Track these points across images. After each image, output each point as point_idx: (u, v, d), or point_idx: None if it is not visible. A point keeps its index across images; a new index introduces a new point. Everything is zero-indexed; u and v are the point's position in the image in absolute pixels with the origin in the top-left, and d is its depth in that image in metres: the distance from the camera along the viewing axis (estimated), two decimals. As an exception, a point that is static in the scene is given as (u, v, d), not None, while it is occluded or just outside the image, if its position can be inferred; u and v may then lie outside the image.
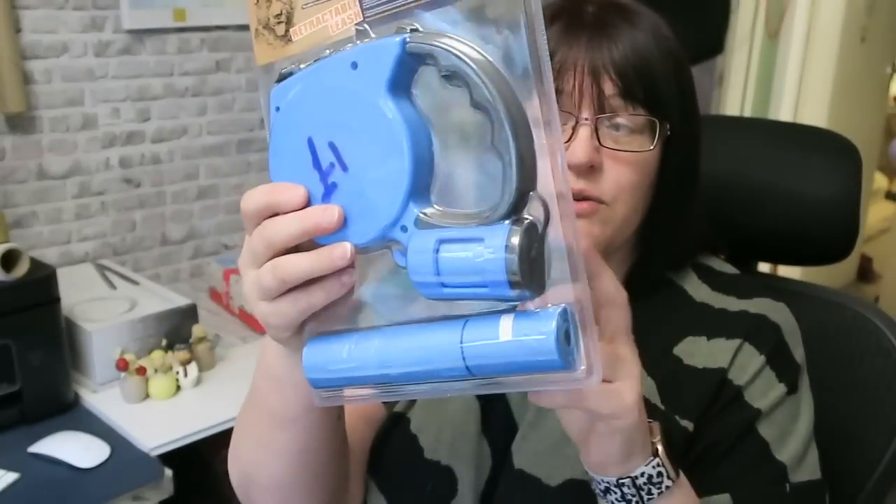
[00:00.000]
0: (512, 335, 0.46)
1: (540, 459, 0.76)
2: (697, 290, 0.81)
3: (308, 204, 0.51)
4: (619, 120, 0.72)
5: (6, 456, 1.39)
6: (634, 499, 0.59)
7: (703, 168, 0.81)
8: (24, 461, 1.38)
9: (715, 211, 0.95)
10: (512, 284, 0.44)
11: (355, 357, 0.52)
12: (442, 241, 0.46)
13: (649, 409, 0.74)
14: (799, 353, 0.78)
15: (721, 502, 0.71)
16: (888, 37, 3.35)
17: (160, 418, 1.52)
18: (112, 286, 1.78)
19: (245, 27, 2.35)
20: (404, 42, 0.47)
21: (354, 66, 0.49)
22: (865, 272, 3.68)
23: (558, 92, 0.71)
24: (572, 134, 0.71)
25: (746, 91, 2.88)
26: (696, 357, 0.76)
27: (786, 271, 1.23)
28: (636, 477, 0.59)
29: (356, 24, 0.50)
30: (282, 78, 0.53)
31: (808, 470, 0.76)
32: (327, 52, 0.51)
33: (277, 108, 0.53)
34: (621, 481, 0.59)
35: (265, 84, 0.55)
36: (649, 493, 0.59)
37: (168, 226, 2.11)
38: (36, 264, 1.47)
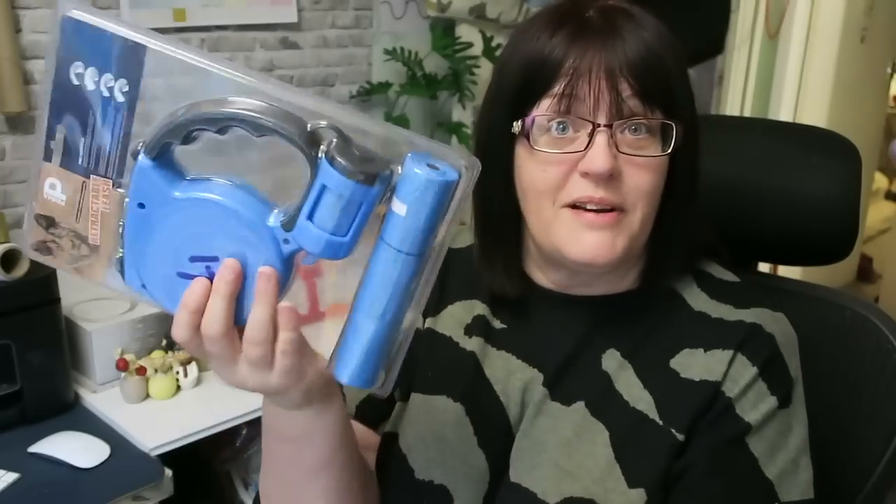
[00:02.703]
0: (400, 204, 0.55)
1: (536, 473, 0.75)
2: (696, 298, 0.79)
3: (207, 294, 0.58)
4: (639, 123, 0.71)
5: (6, 456, 1.39)
6: None
7: (702, 168, 0.81)
8: (24, 461, 1.38)
9: (715, 211, 0.95)
10: (358, 179, 0.53)
11: (356, 335, 0.58)
12: (308, 217, 0.55)
13: (646, 423, 0.74)
14: (794, 366, 0.77)
15: None
16: (888, 37, 3.35)
17: (160, 418, 1.52)
18: (112, 286, 1.77)
19: (245, 27, 2.36)
20: (139, 152, 0.57)
21: (142, 206, 0.59)
22: (865, 272, 3.68)
23: (573, 98, 0.70)
24: (589, 141, 0.70)
25: (746, 91, 2.88)
26: (693, 369, 0.75)
27: (786, 271, 1.23)
28: None
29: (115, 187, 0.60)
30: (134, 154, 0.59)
31: (800, 488, 0.74)
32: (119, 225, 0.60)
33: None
34: None
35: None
36: None
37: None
38: (36, 264, 1.47)
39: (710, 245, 0.85)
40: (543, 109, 0.71)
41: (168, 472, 1.41)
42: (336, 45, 2.65)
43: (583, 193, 0.70)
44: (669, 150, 0.72)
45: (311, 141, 0.55)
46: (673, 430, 0.73)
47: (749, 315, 0.76)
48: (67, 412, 1.52)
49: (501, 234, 0.80)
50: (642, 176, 0.72)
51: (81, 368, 1.59)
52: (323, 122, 0.55)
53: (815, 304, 0.95)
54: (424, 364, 0.84)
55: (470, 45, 2.73)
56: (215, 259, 0.58)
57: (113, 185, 0.59)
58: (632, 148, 0.71)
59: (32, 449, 1.40)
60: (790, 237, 0.95)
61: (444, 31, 2.82)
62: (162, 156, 0.58)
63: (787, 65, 2.87)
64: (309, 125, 0.55)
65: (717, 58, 2.82)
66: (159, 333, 1.62)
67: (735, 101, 2.87)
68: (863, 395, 0.91)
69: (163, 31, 2.29)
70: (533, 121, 0.71)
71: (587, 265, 0.73)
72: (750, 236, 0.97)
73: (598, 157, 0.69)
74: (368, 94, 2.77)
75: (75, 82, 0.57)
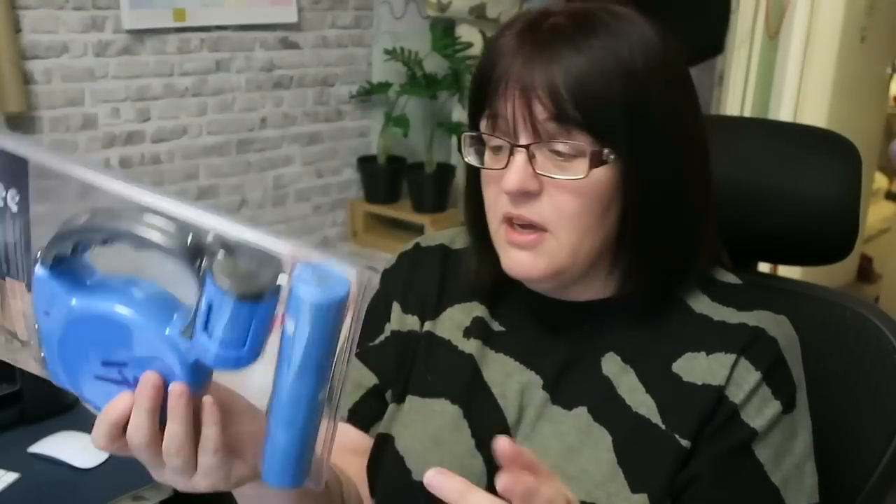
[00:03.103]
0: (290, 323, 0.52)
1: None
2: (697, 301, 0.79)
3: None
4: (557, 146, 0.70)
5: (6, 456, 1.39)
6: None
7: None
8: (24, 461, 1.38)
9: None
10: (242, 298, 0.51)
11: (272, 442, 0.57)
12: (203, 328, 0.53)
13: (650, 427, 0.74)
14: (797, 370, 0.76)
15: None
16: (888, 37, 3.35)
17: (160, 418, 1.52)
18: (112, 286, 1.78)
19: (245, 27, 2.36)
20: (40, 264, 0.57)
21: (47, 313, 0.58)
22: (865, 272, 3.68)
23: (500, 118, 0.71)
24: (508, 160, 0.71)
25: (746, 91, 2.88)
26: (695, 373, 0.74)
27: (786, 271, 1.23)
28: None
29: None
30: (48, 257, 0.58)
31: (806, 493, 0.74)
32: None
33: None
34: None
35: None
36: None
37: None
38: (36, 264, 1.47)
39: (715, 254, 0.84)
40: (481, 127, 0.74)
41: (168, 472, 1.41)
42: (336, 45, 2.66)
43: (506, 210, 0.73)
44: (584, 176, 0.69)
45: (194, 254, 0.53)
46: (677, 436, 0.73)
47: (752, 318, 0.76)
48: (67, 412, 1.52)
49: (484, 239, 0.80)
50: (563, 197, 0.71)
51: (81, 368, 1.59)
52: (209, 236, 0.53)
53: (815, 304, 0.95)
54: (422, 367, 0.84)
55: (470, 45, 2.74)
56: (125, 364, 0.58)
57: (27, 288, 0.60)
58: (554, 169, 0.70)
59: (32, 449, 1.40)
60: (790, 237, 0.95)
61: (444, 31, 2.82)
62: (59, 263, 0.57)
63: (787, 65, 2.87)
64: (189, 237, 0.53)
65: (717, 58, 2.82)
66: (159, 333, 1.62)
67: (735, 101, 2.87)
68: (863, 395, 0.91)
69: (163, 31, 2.30)
70: (464, 138, 0.75)
71: (519, 279, 0.76)
72: (750, 236, 0.97)
73: (511, 175, 0.70)
74: (368, 94, 2.77)
75: None
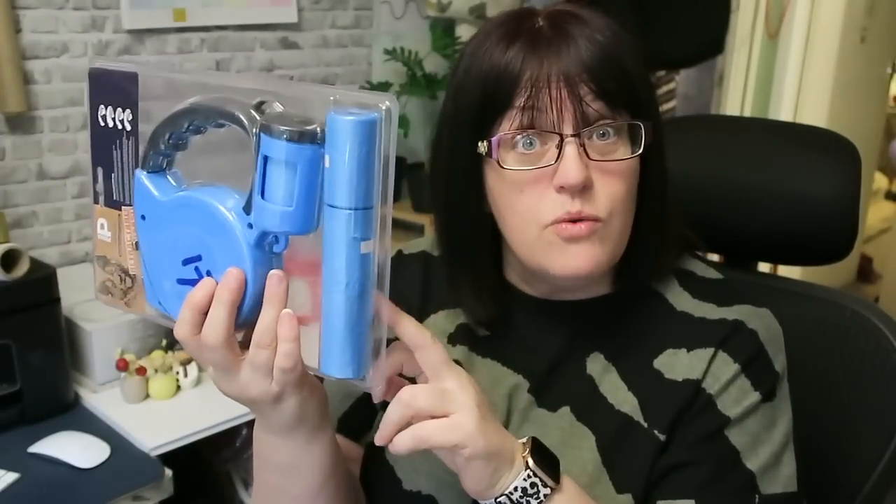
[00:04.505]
0: (328, 158, 0.54)
1: None
2: (678, 298, 0.79)
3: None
4: (604, 128, 0.69)
5: (6, 456, 1.39)
6: None
7: (702, 169, 0.80)
8: (24, 461, 1.38)
9: (715, 211, 0.95)
10: (287, 138, 0.53)
11: (328, 318, 0.57)
12: (260, 194, 0.56)
13: (632, 426, 0.74)
14: (780, 361, 0.76)
15: None
16: (888, 37, 3.35)
17: (160, 418, 1.52)
18: (112, 286, 1.77)
19: (245, 27, 2.36)
20: (140, 167, 0.61)
21: (143, 218, 0.62)
22: (865, 272, 3.68)
23: (535, 111, 0.68)
24: (559, 153, 0.68)
25: (746, 91, 2.87)
26: (676, 370, 0.74)
27: (786, 271, 1.23)
28: (510, 493, 0.64)
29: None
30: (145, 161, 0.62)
31: (782, 482, 0.74)
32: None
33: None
34: (498, 500, 0.64)
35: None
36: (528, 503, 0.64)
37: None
38: (36, 264, 1.47)
39: (686, 239, 0.84)
40: (507, 127, 0.69)
41: (168, 472, 1.41)
42: (336, 44, 2.65)
43: (561, 211, 0.69)
44: (640, 151, 0.70)
45: (253, 118, 0.56)
46: (656, 432, 0.73)
47: (732, 313, 0.76)
48: (67, 412, 1.52)
49: (471, 258, 0.78)
50: (615, 184, 0.70)
51: (81, 368, 1.59)
52: (262, 98, 0.56)
53: (815, 304, 0.95)
54: (409, 374, 0.83)
55: (470, 45, 2.73)
56: (199, 258, 0.60)
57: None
58: (601, 154, 0.69)
59: (32, 449, 1.40)
60: (790, 237, 0.95)
61: (444, 31, 2.82)
62: (156, 168, 0.61)
63: (787, 65, 2.86)
64: (253, 103, 0.56)
65: (717, 58, 2.82)
66: (159, 333, 1.62)
67: (735, 101, 2.87)
68: (863, 394, 0.91)
69: (163, 31, 2.30)
70: (499, 140, 0.69)
71: (572, 278, 0.72)
72: (750, 236, 0.97)
73: (570, 168, 0.67)
74: (368, 94, 2.77)
75: (101, 124, 0.63)
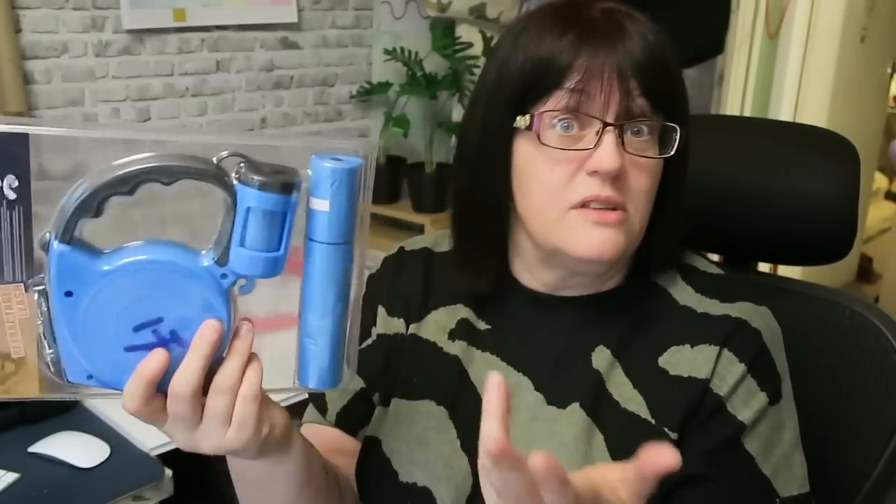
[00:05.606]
0: (320, 201, 0.58)
1: None
2: (681, 292, 0.79)
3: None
4: (643, 124, 0.71)
5: (6, 456, 1.39)
6: None
7: (702, 168, 0.80)
8: (24, 461, 1.38)
9: (715, 211, 0.95)
10: (276, 190, 0.56)
11: (314, 337, 0.62)
12: (240, 244, 0.57)
13: (640, 424, 0.74)
14: (781, 361, 0.77)
15: None
16: (888, 37, 3.35)
17: (160, 418, 1.52)
18: (112, 286, 1.77)
19: (245, 27, 2.36)
20: (49, 242, 0.56)
21: (69, 294, 0.57)
22: (865, 272, 3.68)
23: (583, 95, 0.70)
24: (598, 140, 0.70)
25: (746, 91, 2.87)
26: (681, 366, 0.75)
27: (786, 271, 1.23)
28: None
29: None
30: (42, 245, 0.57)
31: (797, 483, 0.74)
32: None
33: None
34: None
35: None
36: None
37: (168, 225, 2.11)
38: (36, 264, 1.47)
39: (690, 239, 0.84)
40: (552, 106, 0.71)
41: (168, 472, 1.41)
42: (336, 45, 2.66)
43: (589, 192, 0.70)
44: (671, 153, 0.72)
45: (220, 173, 0.57)
46: (666, 429, 0.73)
47: (734, 310, 0.76)
48: (67, 412, 1.52)
49: (486, 233, 0.80)
50: (642, 177, 0.72)
51: (81, 368, 1.59)
52: (225, 153, 0.58)
53: (815, 303, 0.95)
54: (407, 370, 0.83)
55: (470, 45, 2.73)
56: (160, 320, 0.58)
57: (25, 289, 0.57)
58: (635, 149, 0.71)
59: (32, 449, 1.40)
60: (790, 237, 0.95)
61: (444, 31, 2.82)
62: (74, 238, 0.56)
63: (787, 65, 2.87)
64: (214, 158, 0.57)
65: (717, 58, 2.82)
66: (159, 333, 1.61)
67: (735, 101, 2.87)
68: (862, 394, 0.91)
69: (163, 31, 2.29)
70: (542, 116, 0.71)
71: (592, 262, 0.73)
72: (750, 236, 0.97)
73: (608, 155, 0.69)
74: (368, 94, 2.76)
75: None
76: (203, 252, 0.59)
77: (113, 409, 1.52)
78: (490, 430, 0.49)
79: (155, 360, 0.58)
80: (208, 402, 0.59)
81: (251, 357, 0.60)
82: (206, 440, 0.61)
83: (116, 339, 0.58)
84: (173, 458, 1.45)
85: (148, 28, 2.03)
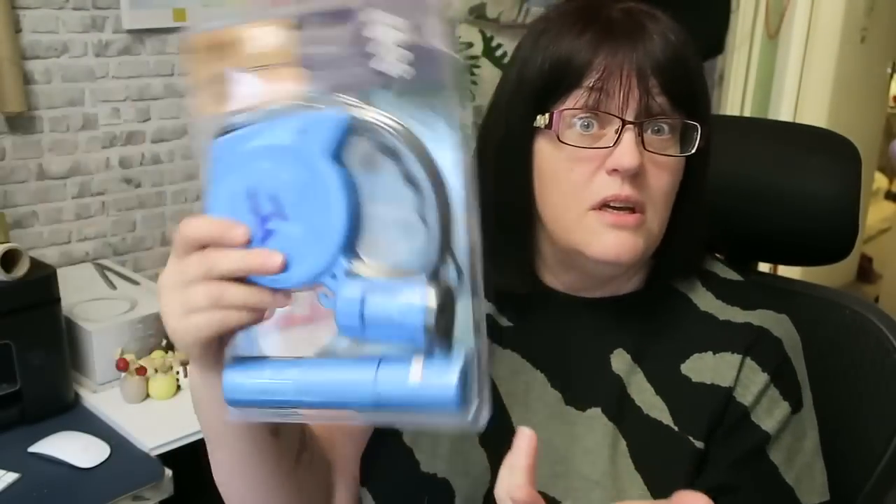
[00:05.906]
0: (421, 379, 0.51)
1: (537, 479, 0.75)
2: (702, 298, 0.79)
3: (247, 244, 0.54)
4: (663, 122, 0.71)
5: (6, 456, 1.39)
6: None
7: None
8: (24, 461, 1.38)
9: (715, 211, 0.95)
10: (426, 338, 0.51)
11: (275, 383, 0.56)
12: (367, 292, 0.52)
13: (663, 431, 0.74)
14: (801, 369, 0.77)
15: None
16: (888, 37, 3.35)
17: (160, 418, 1.52)
18: (112, 286, 1.78)
19: (245, 27, 2.36)
20: (349, 118, 0.53)
21: (303, 131, 0.54)
22: (865, 272, 3.68)
23: (602, 93, 0.70)
24: (617, 138, 0.70)
25: (746, 91, 2.88)
26: (703, 373, 0.75)
27: (786, 271, 1.23)
28: None
29: (308, 93, 0.55)
30: (224, 132, 0.56)
31: (818, 491, 0.75)
32: (271, 112, 0.55)
33: (218, 158, 0.57)
34: None
35: (198, 133, 0.58)
36: None
37: (168, 226, 2.11)
38: (36, 264, 1.47)
39: (710, 242, 0.85)
40: (571, 104, 0.71)
41: (168, 472, 1.41)
42: (336, 45, 2.66)
43: (609, 191, 0.70)
44: (692, 151, 0.72)
45: (439, 264, 0.52)
46: (690, 438, 0.73)
47: (756, 318, 0.76)
48: (67, 412, 1.52)
49: (514, 232, 0.79)
50: (663, 176, 0.72)
51: (81, 368, 1.59)
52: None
53: (815, 303, 0.95)
54: None
55: (470, 45, 2.73)
56: (284, 219, 0.54)
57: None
58: (655, 147, 0.71)
59: (32, 449, 1.40)
60: (790, 237, 0.95)
61: (444, 31, 2.82)
62: (353, 134, 0.54)
63: (787, 65, 2.87)
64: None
65: (717, 58, 2.82)
66: (159, 333, 1.62)
67: (735, 101, 2.87)
68: (863, 394, 0.91)
69: (163, 31, 2.28)
70: (561, 115, 0.71)
71: (608, 264, 0.73)
72: (750, 236, 0.97)
73: (628, 153, 0.69)
74: (368, 94, 2.77)
75: None
76: (359, 257, 0.53)
77: (113, 409, 1.52)
78: (519, 480, 0.53)
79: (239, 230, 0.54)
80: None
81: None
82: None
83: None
84: (173, 458, 1.45)
85: (148, 28, 2.03)
